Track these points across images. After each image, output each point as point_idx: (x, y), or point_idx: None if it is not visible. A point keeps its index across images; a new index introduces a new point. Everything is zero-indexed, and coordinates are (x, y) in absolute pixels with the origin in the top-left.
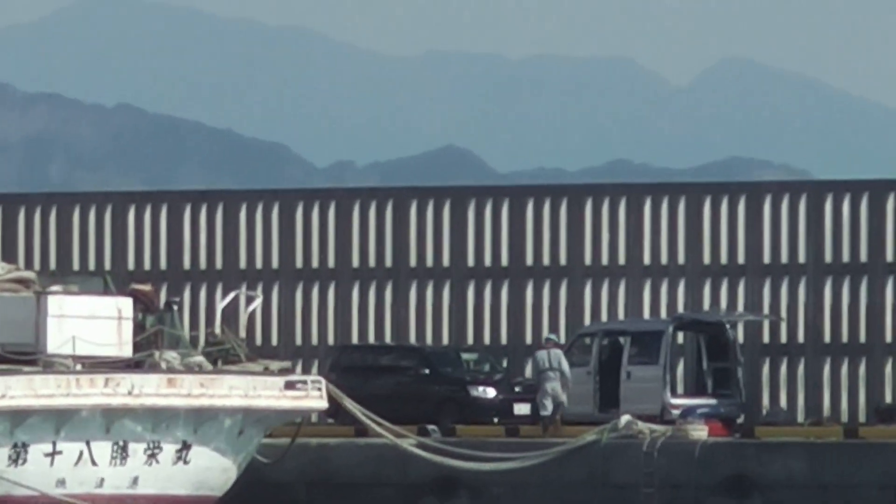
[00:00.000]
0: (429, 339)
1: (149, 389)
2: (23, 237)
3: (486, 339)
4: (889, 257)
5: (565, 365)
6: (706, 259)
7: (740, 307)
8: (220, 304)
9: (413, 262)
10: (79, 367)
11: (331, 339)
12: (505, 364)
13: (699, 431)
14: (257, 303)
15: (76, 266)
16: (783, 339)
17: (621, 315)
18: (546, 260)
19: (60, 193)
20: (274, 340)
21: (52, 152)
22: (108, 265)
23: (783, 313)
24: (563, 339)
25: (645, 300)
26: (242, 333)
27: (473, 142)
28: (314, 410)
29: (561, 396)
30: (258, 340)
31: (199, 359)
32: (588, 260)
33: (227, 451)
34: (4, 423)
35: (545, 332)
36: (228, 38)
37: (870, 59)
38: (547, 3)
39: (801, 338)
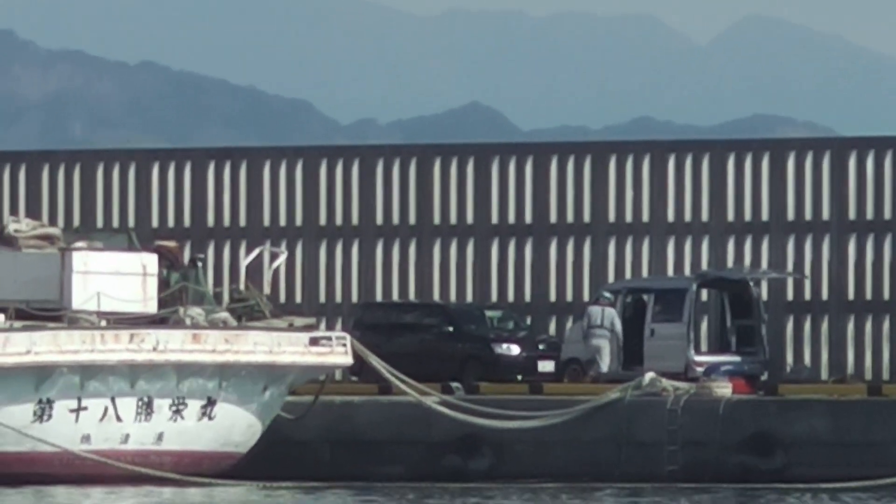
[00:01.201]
0: (452, 297)
1: (174, 345)
2: (47, 195)
3: (510, 297)
4: None
5: (618, 325)
6: (730, 216)
7: (764, 264)
8: (245, 260)
9: (437, 219)
10: (103, 322)
11: (354, 297)
12: (529, 321)
13: (723, 389)
14: (282, 258)
15: (100, 224)
16: (807, 296)
17: (645, 273)
18: (570, 217)
19: (84, 151)
20: (298, 298)
21: (75, 110)
22: (131, 223)
23: (807, 271)
24: (587, 298)
25: (669, 258)
26: (267, 290)
27: (497, 99)
28: (339, 367)
29: (605, 356)
30: (282, 298)
31: (224, 315)
32: (612, 217)
33: (251, 408)
34: (30, 379)
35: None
36: None
37: (893, 16)
38: None
39: (824, 295)
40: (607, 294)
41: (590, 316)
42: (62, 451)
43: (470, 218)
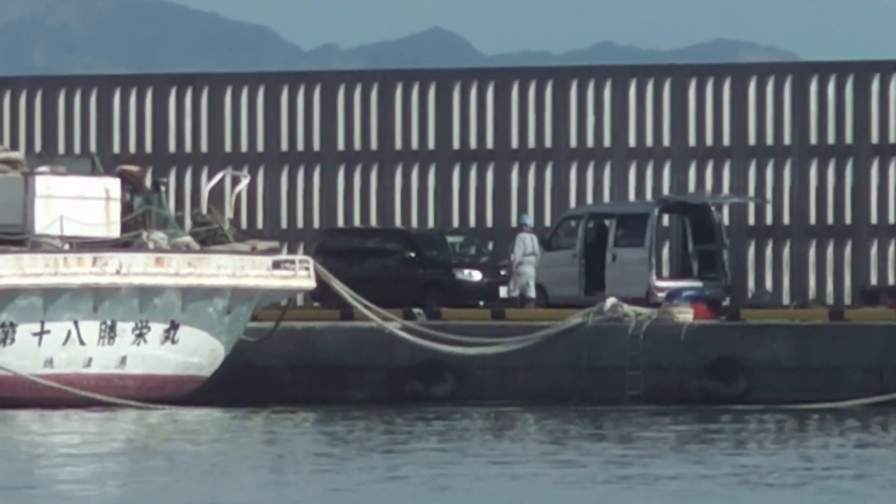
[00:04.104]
0: (414, 223)
1: (137, 269)
2: (8, 121)
3: (472, 222)
4: (874, 139)
5: (539, 249)
6: (691, 141)
7: (725, 189)
8: (208, 185)
9: (398, 145)
10: (66, 247)
11: (316, 223)
12: (490, 247)
13: (684, 314)
14: (244, 183)
15: (62, 150)
16: (768, 221)
17: (606, 198)
18: (531, 142)
19: (45, 77)
20: (259, 224)
21: (36, 37)
22: (93, 149)
23: (768, 195)
24: (548, 223)
25: (630, 183)
26: (230, 214)
27: (459, 24)
28: (302, 290)
29: (532, 283)
30: (244, 224)
31: (187, 239)
32: (573, 142)
33: (215, 331)
34: None
35: (515, 215)
36: None
37: None
38: None
39: (786, 220)
40: (528, 220)
41: (524, 243)
42: (11, 374)
43: (431, 143)
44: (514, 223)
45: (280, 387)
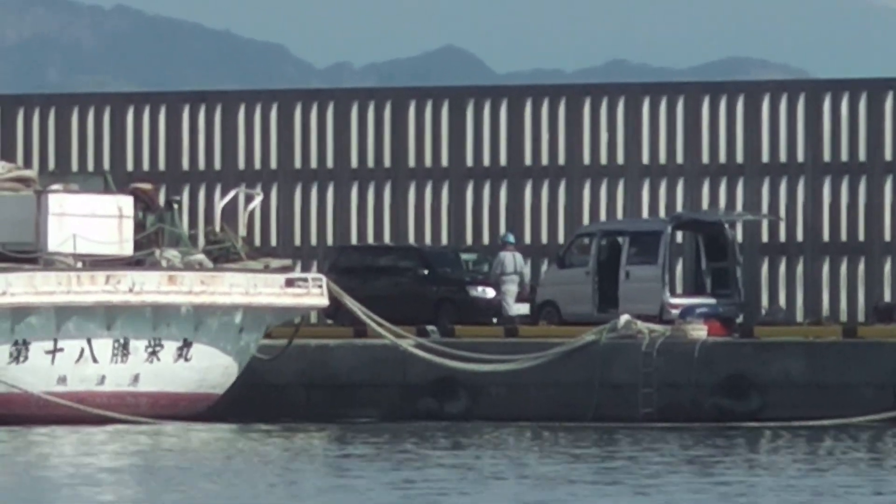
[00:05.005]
0: (427, 240)
1: (150, 287)
2: (21, 139)
3: (485, 240)
4: (887, 156)
5: (527, 269)
6: (705, 159)
7: (739, 207)
8: (221, 203)
9: (412, 162)
10: (79, 264)
11: (329, 240)
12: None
13: (698, 331)
14: (258, 200)
15: (75, 167)
16: (782, 238)
17: (620, 215)
18: (544, 160)
19: (59, 95)
20: (273, 241)
21: (50, 54)
22: (106, 166)
23: (782, 213)
24: (561, 240)
25: (643, 200)
26: (242, 232)
27: (472, 42)
28: (314, 308)
29: (512, 301)
30: (257, 242)
31: (200, 257)
32: (586, 160)
33: (227, 349)
34: (6, 320)
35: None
36: None
37: None
38: None
39: (799, 237)
40: (512, 238)
41: (503, 263)
42: (22, 392)
43: (445, 161)
44: (527, 240)
45: (293, 404)
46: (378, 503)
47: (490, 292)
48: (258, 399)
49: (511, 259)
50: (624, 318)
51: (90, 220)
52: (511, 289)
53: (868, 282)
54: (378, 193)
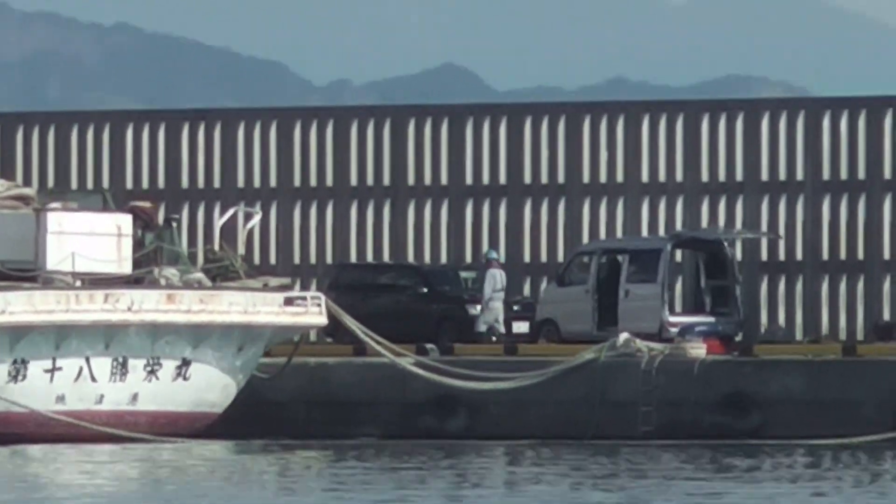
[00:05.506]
0: (427, 258)
1: (148, 305)
2: (21, 156)
3: (484, 258)
4: (887, 174)
5: (505, 282)
6: (704, 177)
7: (738, 225)
8: (219, 221)
9: (411, 180)
10: (78, 283)
11: (329, 258)
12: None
13: (697, 349)
14: (256, 219)
15: (75, 185)
16: (781, 256)
17: (619, 233)
18: (544, 178)
19: (58, 112)
20: (272, 259)
21: (50, 71)
22: (106, 184)
23: (781, 231)
24: (561, 259)
25: (643, 218)
26: (241, 250)
27: (471, 60)
28: (313, 327)
29: (501, 318)
30: (256, 260)
31: (199, 275)
32: (586, 178)
33: (226, 368)
34: (4, 339)
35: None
36: None
37: None
38: None
39: (799, 255)
40: (495, 254)
41: (493, 279)
42: (28, 411)
43: (444, 179)
44: (527, 259)
45: (293, 422)
46: None
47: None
48: (257, 417)
49: (500, 276)
50: (623, 336)
51: (89, 238)
52: (499, 306)
53: (867, 300)
54: (377, 211)
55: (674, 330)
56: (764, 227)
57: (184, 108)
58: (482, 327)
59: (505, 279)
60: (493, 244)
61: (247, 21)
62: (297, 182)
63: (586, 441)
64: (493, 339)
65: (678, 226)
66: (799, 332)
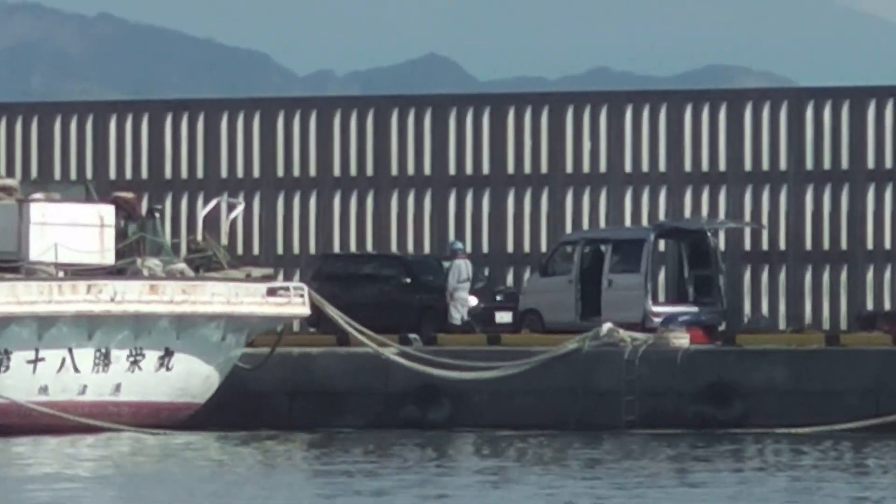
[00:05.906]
0: (410, 248)
1: (131, 296)
2: (3, 147)
3: (468, 248)
4: (870, 164)
5: (471, 272)
6: (687, 167)
7: (721, 215)
8: (202, 212)
9: (394, 170)
10: (61, 274)
11: (312, 249)
12: (486, 272)
13: (681, 339)
14: (239, 209)
15: (57, 176)
16: (765, 246)
17: (602, 223)
18: (527, 168)
19: (42, 103)
20: (255, 250)
21: (34, 62)
22: (89, 174)
23: (764, 221)
24: (544, 248)
25: (626, 208)
26: (224, 241)
27: (454, 50)
28: (296, 317)
29: (467, 307)
30: (239, 250)
31: (182, 266)
32: (569, 168)
33: (209, 358)
34: None
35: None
36: None
37: None
38: None
39: (782, 245)
40: (461, 245)
41: (459, 270)
42: (9, 402)
43: (427, 169)
44: (510, 248)
45: (276, 413)
46: None
47: (472, 300)
48: (241, 407)
49: (465, 267)
50: (607, 326)
51: (72, 229)
52: (464, 296)
53: (851, 290)
54: (361, 201)
55: (657, 320)
56: (747, 217)
57: (167, 99)
58: (456, 320)
59: (471, 270)
60: (476, 234)
61: (230, 11)
62: (280, 172)
63: (569, 431)
64: (477, 329)
65: (661, 216)
66: (782, 321)
